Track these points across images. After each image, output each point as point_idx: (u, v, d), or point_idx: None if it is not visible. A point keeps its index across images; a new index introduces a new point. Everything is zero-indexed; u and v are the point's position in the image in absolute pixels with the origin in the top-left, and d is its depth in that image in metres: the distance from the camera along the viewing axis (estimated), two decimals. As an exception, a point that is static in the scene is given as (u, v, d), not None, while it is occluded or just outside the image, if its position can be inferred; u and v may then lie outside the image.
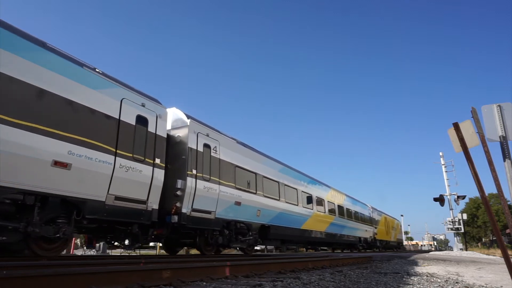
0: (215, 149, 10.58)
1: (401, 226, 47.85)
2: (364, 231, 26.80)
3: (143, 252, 30.86)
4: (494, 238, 58.43)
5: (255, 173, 12.63)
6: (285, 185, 14.86)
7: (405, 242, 77.83)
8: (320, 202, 18.56)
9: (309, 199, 17.13)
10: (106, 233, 8.46)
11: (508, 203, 8.26)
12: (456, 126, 4.44)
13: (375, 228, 30.21)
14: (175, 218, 8.78)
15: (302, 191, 16.44)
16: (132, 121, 7.82)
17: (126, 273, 3.49)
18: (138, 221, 7.80)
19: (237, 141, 12.23)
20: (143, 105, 8.24)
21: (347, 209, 23.18)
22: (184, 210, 8.94)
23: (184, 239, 10.90)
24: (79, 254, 18.78)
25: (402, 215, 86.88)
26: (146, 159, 8.02)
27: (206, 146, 10.21)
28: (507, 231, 32.84)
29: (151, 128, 8.34)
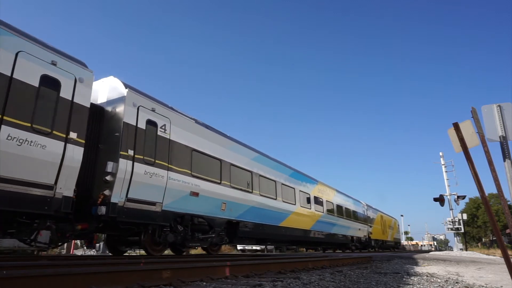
0: (164, 127, 8.79)
1: (398, 225, 45.74)
2: (357, 230, 25.00)
3: (143, 252, 30.82)
4: (494, 238, 58.44)
5: (220, 160, 10.78)
6: (260, 176, 13.00)
7: (405, 242, 77.78)
8: (304, 197, 16.66)
9: (291, 194, 15.37)
10: (6, 227, 6.54)
11: (508, 203, 8.27)
12: (456, 126, 4.44)
13: (370, 226, 28.43)
14: (102, 210, 7.13)
15: (283, 184, 14.65)
16: (34, 82, 6.18)
17: (126, 273, 3.49)
18: (42, 211, 6.17)
19: (197, 121, 10.37)
20: (53, 64, 6.55)
21: (338, 206, 21.38)
22: (114, 200, 7.30)
23: (132, 237, 9.07)
24: (79, 254, 18.80)
25: (402, 215, 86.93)
26: (55, 132, 6.37)
27: (151, 123, 8.44)
28: (507, 231, 32.82)
29: (65, 94, 6.64)
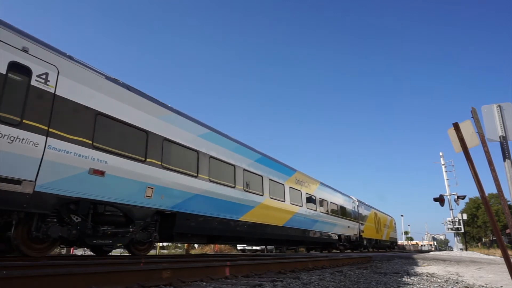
0: (45, 77, 6.49)
1: (395, 223, 42.76)
2: (346, 228, 22.39)
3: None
4: (494, 238, 58.45)
5: (146, 131, 8.30)
6: (212, 157, 10.48)
7: (405, 242, 77.81)
8: (276, 187, 14.08)
9: (258, 182, 12.83)
10: None
11: (508, 203, 8.27)
12: (456, 126, 4.44)
13: (362, 224, 26.09)
14: None
15: (246, 170, 12.09)
16: None
17: (126, 273, 3.49)
18: None
19: (107, 76, 7.89)
20: None
21: (321, 200, 18.73)
22: None
23: None
24: (79, 254, 18.80)
25: (402, 215, 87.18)
26: None
27: (19, 68, 6.12)
28: (507, 231, 32.82)
29: None
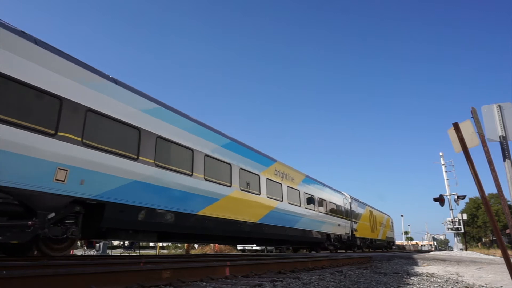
0: None
1: (392, 222, 40.79)
2: (336, 226, 20.57)
3: (143, 252, 31.03)
4: (494, 238, 58.46)
5: (59, 98, 6.58)
6: (159, 137, 8.66)
7: (405, 242, 77.80)
8: (249, 178, 12.23)
9: (224, 171, 11.03)
10: None
11: (508, 203, 8.27)
12: (456, 126, 4.44)
13: (355, 222, 24.35)
14: None
15: (208, 156, 10.27)
16: None
17: (126, 273, 3.49)
18: None
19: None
20: None
21: (307, 195, 16.88)
22: None
23: None
24: (79, 254, 18.80)
25: (402, 215, 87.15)
26: None
27: None
28: (507, 231, 32.81)
29: None
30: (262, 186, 13.10)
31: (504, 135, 4.97)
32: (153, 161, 8.36)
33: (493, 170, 4.40)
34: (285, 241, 16.53)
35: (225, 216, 10.67)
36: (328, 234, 19.20)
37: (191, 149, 9.76)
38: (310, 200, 17.37)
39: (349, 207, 23.91)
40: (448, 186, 27.04)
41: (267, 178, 13.49)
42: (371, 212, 30.08)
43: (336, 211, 21.14)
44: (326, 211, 19.41)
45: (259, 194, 12.78)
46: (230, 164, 11.36)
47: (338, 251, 21.14)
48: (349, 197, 24.67)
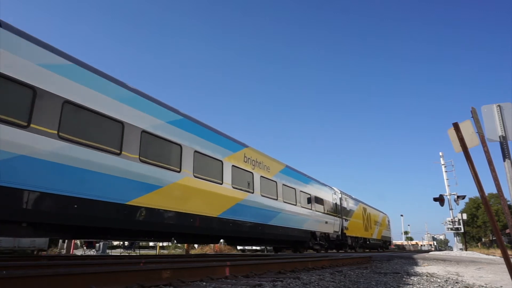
0: None
1: (389, 221, 38.52)
2: (323, 223, 18.37)
3: (143, 252, 31.05)
4: (494, 238, 58.49)
5: None
6: (69, 102, 6.68)
7: (405, 242, 77.81)
8: (208, 163, 10.19)
9: (173, 153, 9.01)
10: None
11: (508, 203, 8.27)
12: (456, 126, 4.44)
13: (346, 220, 22.41)
14: None
15: (146, 132, 8.21)
16: None
17: (126, 273, 3.49)
18: None
19: None
20: None
21: (286, 187, 14.78)
22: None
23: None
24: (79, 254, 18.82)
25: (402, 215, 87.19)
26: None
27: None
28: (507, 231, 32.84)
29: None
30: (226, 174, 10.81)
31: (504, 135, 4.97)
32: (55, 132, 6.32)
33: (493, 170, 4.40)
34: (259, 240, 14.17)
35: (172, 207, 8.59)
36: (313, 232, 16.91)
37: (121, 122, 7.66)
38: (291, 193, 15.22)
39: (338, 203, 21.80)
40: (448, 186, 27.07)
41: (233, 165, 11.20)
42: (364, 209, 27.99)
43: (323, 207, 18.84)
44: (311, 206, 17.08)
45: (221, 183, 10.49)
46: (180, 145, 9.15)
47: (329, 251, 20.02)
48: (339, 192, 22.62)
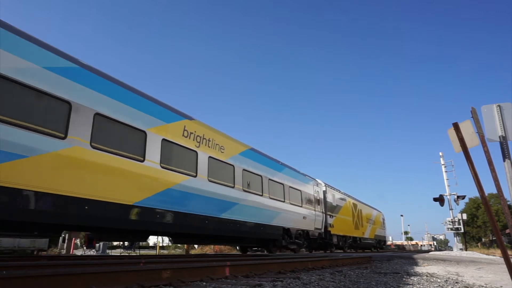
0: None
1: (384, 219, 35.90)
2: (300, 219, 15.81)
3: (143, 252, 31.04)
4: (494, 238, 58.49)
5: None
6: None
7: (405, 242, 77.78)
8: (119, 132, 7.74)
9: (51, 112, 6.46)
10: None
11: (508, 203, 8.28)
12: (456, 126, 4.44)
13: (331, 216, 19.87)
14: None
15: (3, 77, 5.67)
16: None
17: (126, 273, 3.49)
18: None
19: None
20: None
21: (247, 173, 12.07)
22: None
23: None
24: (79, 254, 18.82)
25: (402, 215, 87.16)
26: None
27: None
28: (507, 231, 32.85)
29: None
30: (152, 149, 8.24)
31: (504, 135, 4.97)
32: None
33: (493, 170, 4.40)
34: (208, 237, 11.74)
35: (46, 188, 6.14)
36: (286, 229, 14.38)
37: None
38: (255, 181, 12.54)
39: (321, 197, 19.02)
40: (448, 186, 27.06)
41: (164, 139, 8.68)
42: (355, 205, 25.44)
43: (301, 200, 16.15)
44: (284, 198, 14.45)
45: (143, 161, 7.89)
46: (69, 103, 6.64)
47: (313, 251, 17.77)
48: (323, 184, 20.07)
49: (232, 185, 11.15)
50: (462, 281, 5.32)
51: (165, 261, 6.54)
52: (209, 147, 10.49)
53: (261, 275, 5.01)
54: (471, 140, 4.52)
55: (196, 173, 9.66)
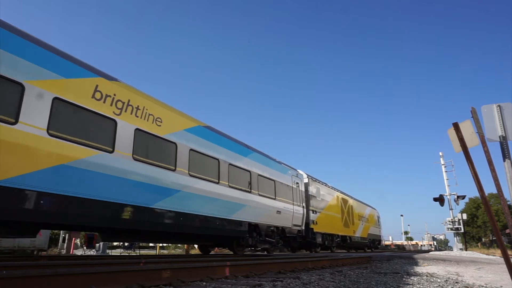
0: None
1: (379, 217, 33.64)
2: (273, 213, 13.43)
3: (143, 252, 31.05)
4: (494, 238, 58.50)
5: None
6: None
7: (405, 242, 77.76)
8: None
9: None
10: None
11: (508, 203, 8.28)
12: (456, 126, 4.44)
13: (314, 212, 17.59)
14: None
15: None
16: None
17: (126, 273, 3.49)
18: None
19: None
20: None
21: (196, 154, 9.86)
22: None
23: None
24: (79, 254, 18.82)
25: (402, 215, 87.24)
26: None
27: None
28: (507, 231, 32.85)
29: None
30: (33, 108, 6.13)
31: (504, 135, 4.97)
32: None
33: (493, 170, 4.40)
34: (140, 233, 8.98)
35: None
36: (254, 225, 12.10)
37: None
38: (208, 164, 10.29)
39: (302, 189, 16.70)
40: (448, 186, 27.08)
41: (55, 97, 6.50)
42: (344, 200, 23.19)
43: (275, 192, 13.89)
44: (250, 188, 12.07)
45: (14, 124, 5.78)
46: None
47: (271, 250, 15.06)
48: (305, 175, 17.84)
49: (173, 168, 8.85)
50: (462, 281, 5.32)
51: (165, 261, 6.53)
52: (137, 116, 8.23)
53: (261, 275, 5.01)
54: (471, 140, 4.52)
55: (113, 147, 7.43)
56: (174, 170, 8.92)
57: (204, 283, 3.93)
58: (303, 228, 16.12)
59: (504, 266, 4.38)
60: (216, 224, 10.22)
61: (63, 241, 27.10)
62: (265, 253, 15.10)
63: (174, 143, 9.13)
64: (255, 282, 3.98)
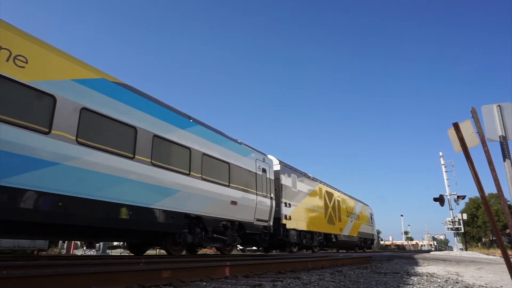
0: None
1: (372, 214, 30.92)
2: (226, 204, 10.87)
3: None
4: (494, 238, 58.49)
5: None
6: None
7: (405, 242, 77.71)
8: None
9: None
10: None
11: (508, 203, 8.28)
12: (456, 126, 4.44)
13: (287, 205, 15.06)
14: None
15: None
16: None
17: (126, 273, 3.49)
18: None
19: None
20: None
21: (92, 114, 7.00)
22: None
23: None
24: (79, 254, 18.83)
25: (402, 215, 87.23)
26: None
27: None
28: (507, 231, 32.84)
29: None
30: None
31: (504, 135, 4.97)
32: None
33: (493, 170, 4.40)
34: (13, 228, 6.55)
35: None
36: (194, 217, 9.63)
37: None
38: (118, 133, 7.64)
39: (271, 177, 14.06)
40: (448, 186, 27.07)
41: None
42: (329, 194, 20.26)
43: (230, 178, 11.22)
44: (188, 169, 9.45)
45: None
46: None
47: (227, 249, 12.74)
48: (276, 161, 15.26)
49: (47, 130, 6.17)
50: (462, 281, 5.32)
51: (165, 261, 6.53)
52: (35, 69, 6.17)
53: (261, 275, 5.01)
54: (471, 140, 4.52)
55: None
56: (48, 133, 6.16)
57: (204, 283, 3.93)
58: (271, 224, 13.36)
59: (504, 266, 4.38)
60: (130, 214, 7.52)
61: (63, 241, 27.09)
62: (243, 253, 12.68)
63: (52, 95, 6.36)
64: (255, 282, 3.98)
